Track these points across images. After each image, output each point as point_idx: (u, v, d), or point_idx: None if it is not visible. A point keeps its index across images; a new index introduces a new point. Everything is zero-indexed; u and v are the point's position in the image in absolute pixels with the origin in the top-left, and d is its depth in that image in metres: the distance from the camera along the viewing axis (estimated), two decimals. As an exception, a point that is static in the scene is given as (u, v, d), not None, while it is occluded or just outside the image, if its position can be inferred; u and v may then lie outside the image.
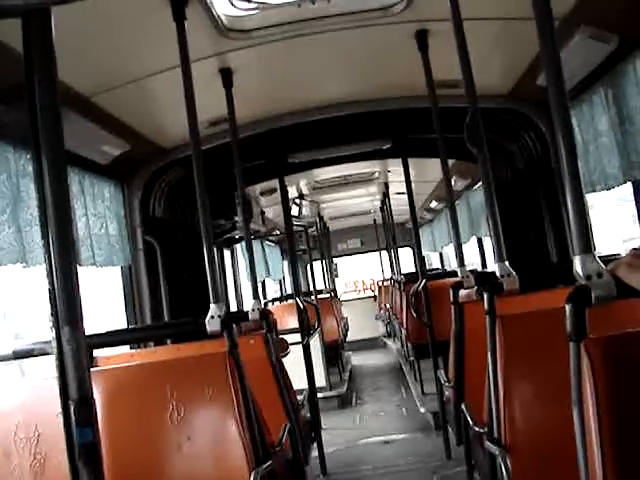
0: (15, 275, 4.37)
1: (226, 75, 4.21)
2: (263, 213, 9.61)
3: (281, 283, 14.27)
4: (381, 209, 12.65)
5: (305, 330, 6.35)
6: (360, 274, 17.89)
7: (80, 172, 4.48)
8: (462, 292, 4.12)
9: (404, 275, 10.64)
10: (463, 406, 3.74)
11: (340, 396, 9.00)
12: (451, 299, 4.15)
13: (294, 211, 9.51)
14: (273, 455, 3.17)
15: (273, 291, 13.77)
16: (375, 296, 16.81)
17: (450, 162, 6.94)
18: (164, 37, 3.31)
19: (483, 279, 3.66)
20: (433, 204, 11.60)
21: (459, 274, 4.21)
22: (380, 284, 15.93)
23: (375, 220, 14.39)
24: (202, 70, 3.87)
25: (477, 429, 3.28)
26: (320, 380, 7.90)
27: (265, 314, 4.33)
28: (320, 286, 11.95)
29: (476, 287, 3.55)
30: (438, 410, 6.52)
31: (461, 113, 3.52)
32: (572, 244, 2.01)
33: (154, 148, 5.15)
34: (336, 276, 15.91)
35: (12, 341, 5.77)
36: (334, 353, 10.37)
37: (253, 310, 4.35)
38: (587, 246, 1.92)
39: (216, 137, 5.06)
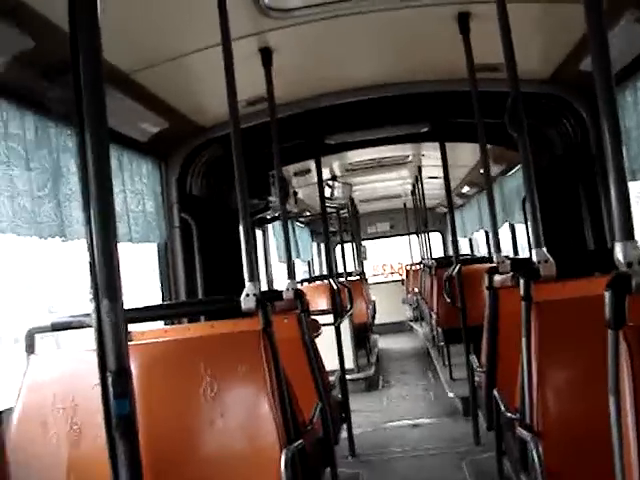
0: (48, 250, 4.42)
1: (266, 54, 4.21)
2: (295, 194, 9.61)
3: (309, 264, 14.28)
4: (412, 193, 12.58)
5: (338, 312, 6.37)
6: (388, 258, 17.80)
7: (119, 149, 4.52)
8: (497, 277, 4.10)
9: (435, 260, 10.60)
10: (495, 392, 3.73)
11: (367, 379, 9.00)
12: (486, 284, 4.13)
13: (327, 192, 9.50)
14: (304, 434, 3.19)
15: (301, 272, 13.80)
16: (403, 280, 16.76)
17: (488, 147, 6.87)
18: (205, 15, 3.31)
19: (519, 265, 3.64)
20: (465, 189, 11.51)
21: (495, 259, 4.19)
22: (408, 268, 15.87)
23: (405, 204, 14.32)
24: (242, 49, 3.86)
25: (509, 415, 3.27)
26: (348, 362, 7.91)
27: (299, 294, 4.34)
28: (349, 269, 11.93)
29: (512, 273, 3.53)
30: (467, 395, 6.51)
31: (500, 97, 3.48)
32: (610, 232, 2.00)
33: (192, 126, 5.17)
34: (364, 259, 15.89)
35: (46, 315, 5.85)
36: (362, 336, 10.36)
37: (287, 290, 4.36)
38: (629, 233, 1.90)
39: (254, 116, 5.06)
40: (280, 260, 10.56)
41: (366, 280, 14.46)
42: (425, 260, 11.96)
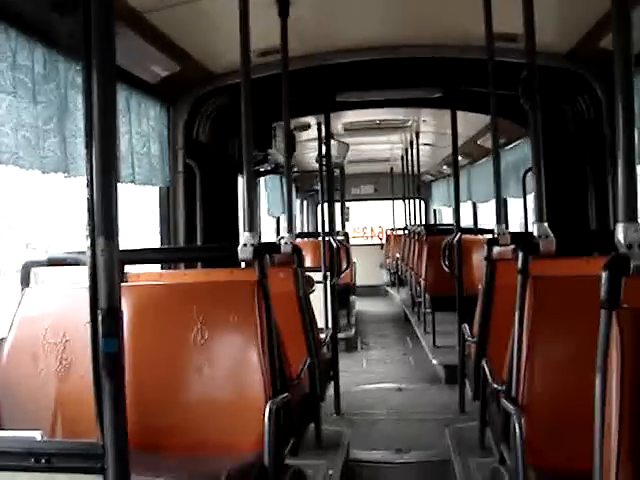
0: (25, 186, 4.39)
1: (283, 4, 4.14)
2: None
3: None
4: (402, 158, 12.48)
5: (334, 270, 6.38)
6: (368, 221, 17.77)
7: (128, 89, 4.49)
8: (495, 249, 4.11)
9: (425, 226, 10.58)
10: (484, 362, 3.75)
11: (348, 339, 9.03)
12: (484, 254, 4.13)
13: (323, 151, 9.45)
14: (291, 388, 3.22)
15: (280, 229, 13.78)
16: (382, 244, 16.73)
17: (486, 118, 6.84)
18: (224, -40, 3.25)
19: (519, 238, 3.63)
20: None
21: (496, 231, 4.18)
22: (389, 233, 15.79)
23: (392, 168, 14.21)
24: (259, -3, 3.80)
25: (495, 386, 3.30)
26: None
27: (297, 249, 4.34)
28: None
29: (513, 245, 3.53)
30: (450, 364, 6.58)
31: (515, 69, 3.44)
32: (614, 214, 1.99)
33: (203, 72, 5.12)
34: (347, 220, 15.86)
35: (23, 251, 5.86)
36: (344, 297, 10.35)
37: (286, 243, 4.35)
38: (632, 215, 1.88)
39: (265, 67, 5.00)
40: (268, 213, 10.57)
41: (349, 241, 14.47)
42: (413, 226, 11.89)
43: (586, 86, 5.21)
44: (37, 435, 1.74)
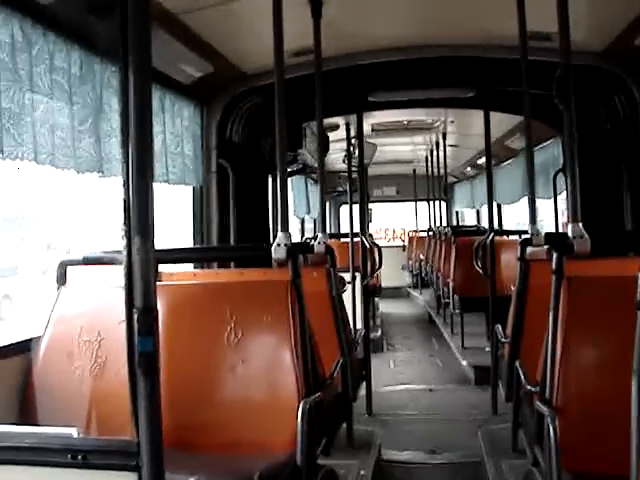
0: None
1: (316, 5, 4.14)
2: None
3: (315, 222, 14.23)
4: (426, 159, 12.42)
5: (366, 270, 6.38)
6: (390, 222, 17.65)
7: (162, 90, 4.52)
8: (529, 249, 4.08)
9: (453, 228, 10.52)
10: (517, 363, 3.73)
11: (374, 340, 8.98)
12: (518, 255, 4.10)
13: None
14: (323, 387, 3.22)
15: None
16: (404, 246, 16.63)
17: (514, 119, 6.77)
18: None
19: (553, 239, 3.60)
20: (482, 160, 11.36)
21: (529, 231, 4.15)
22: (412, 235, 15.70)
23: (415, 170, 14.13)
24: (292, -2, 3.81)
25: (529, 387, 3.27)
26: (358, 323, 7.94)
27: (330, 249, 4.34)
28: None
29: (547, 246, 3.50)
30: (480, 364, 6.55)
31: (549, 68, 3.41)
32: None
33: (236, 73, 5.14)
34: (370, 221, 15.81)
35: (45, 251, 5.96)
36: (370, 298, 10.34)
37: (319, 243, 4.35)
38: None
39: (298, 68, 5.01)
40: (294, 214, 10.56)
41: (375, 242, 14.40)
42: (439, 227, 11.86)
43: (621, 85, 5.15)
44: (74, 432, 1.77)
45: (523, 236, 4.47)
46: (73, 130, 3.39)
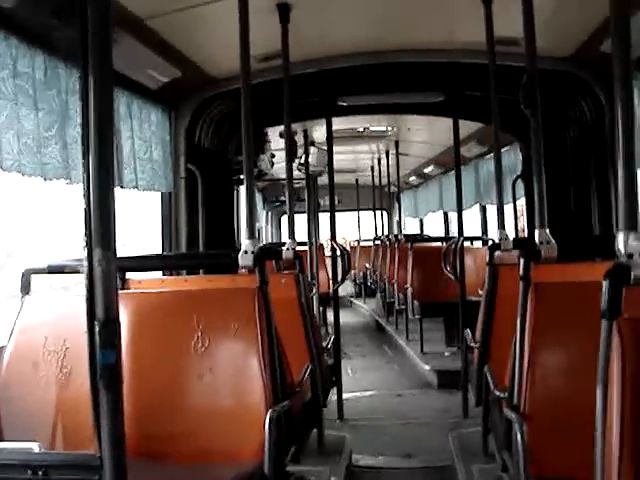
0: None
1: (283, 10, 4.13)
2: (273, 156, 9.44)
3: (259, 232, 14.18)
4: (371, 168, 12.52)
5: (335, 276, 6.39)
6: (327, 233, 17.58)
7: (129, 95, 4.48)
8: (497, 254, 4.10)
9: (406, 236, 10.64)
10: (486, 368, 3.73)
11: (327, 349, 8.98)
12: (487, 260, 4.12)
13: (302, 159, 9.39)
14: (292, 395, 3.20)
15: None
16: None
17: (469, 127, 6.80)
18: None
19: (521, 244, 3.62)
20: (429, 169, 11.44)
21: (498, 236, 4.17)
22: (354, 244, 15.52)
23: (357, 180, 14.17)
24: (259, 3, 3.79)
25: (497, 393, 3.28)
26: None
27: (298, 255, 4.33)
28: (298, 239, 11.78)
29: (518, 251, 3.51)
30: (442, 368, 6.60)
31: (516, 73, 3.42)
32: (617, 218, 1.96)
33: (204, 77, 5.12)
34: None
35: (4, 258, 5.85)
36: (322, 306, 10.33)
37: (287, 249, 4.34)
38: (633, 223, 1.87)
39: (267, 72, 5.00)
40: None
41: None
42: (394, 235, 11.91)
43: (588, 89, 5.19)
44: (35, 447, 1.73)
45: (490, 242, 4.49)
46: (39, 136, 3.34)
